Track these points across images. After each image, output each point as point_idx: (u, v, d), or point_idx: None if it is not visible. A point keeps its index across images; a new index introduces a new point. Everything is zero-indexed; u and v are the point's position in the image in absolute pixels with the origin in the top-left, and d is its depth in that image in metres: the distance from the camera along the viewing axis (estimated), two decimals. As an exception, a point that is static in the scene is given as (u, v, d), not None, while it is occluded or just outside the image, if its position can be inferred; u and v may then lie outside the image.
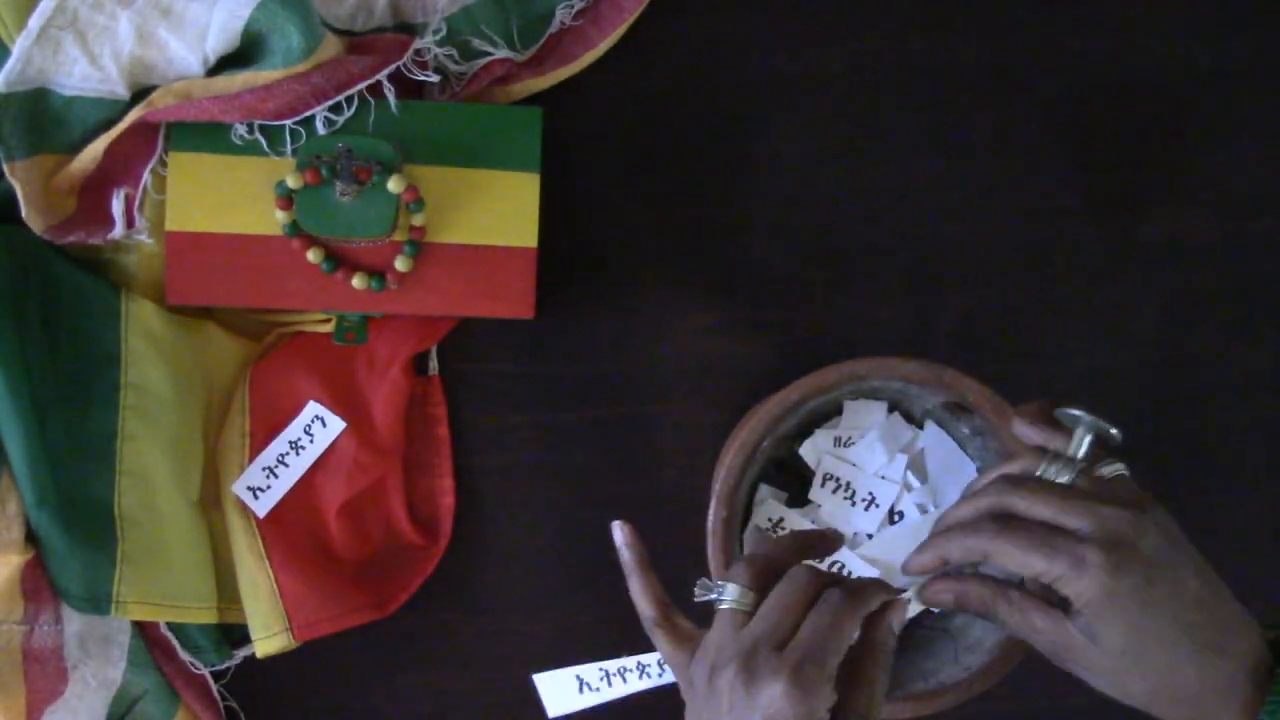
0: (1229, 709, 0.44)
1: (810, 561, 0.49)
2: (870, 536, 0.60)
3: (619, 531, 0.52)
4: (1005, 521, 0.46)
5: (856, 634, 0.45)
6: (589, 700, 0.51)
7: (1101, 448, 0.48)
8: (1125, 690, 0.45)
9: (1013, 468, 0.49)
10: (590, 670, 0.51)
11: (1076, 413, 0.47)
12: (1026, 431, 0.49)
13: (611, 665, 0.51)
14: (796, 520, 0.60)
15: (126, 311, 0.62)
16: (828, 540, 0.51)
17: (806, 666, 0.42)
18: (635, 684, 0.51)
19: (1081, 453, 0.48)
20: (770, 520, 0.60)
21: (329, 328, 0.65)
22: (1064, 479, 0.47)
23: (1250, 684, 0.44)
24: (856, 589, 0.46)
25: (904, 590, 0.49)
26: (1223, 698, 0.44)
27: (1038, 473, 0.47)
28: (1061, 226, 0.69)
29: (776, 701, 0.42)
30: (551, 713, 0.53)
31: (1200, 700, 0.44)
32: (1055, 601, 0.46)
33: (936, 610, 0.60)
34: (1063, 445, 0.48)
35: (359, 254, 0.62)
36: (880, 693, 0.45)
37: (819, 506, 0.60)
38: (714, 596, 0.47)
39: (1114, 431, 0.47)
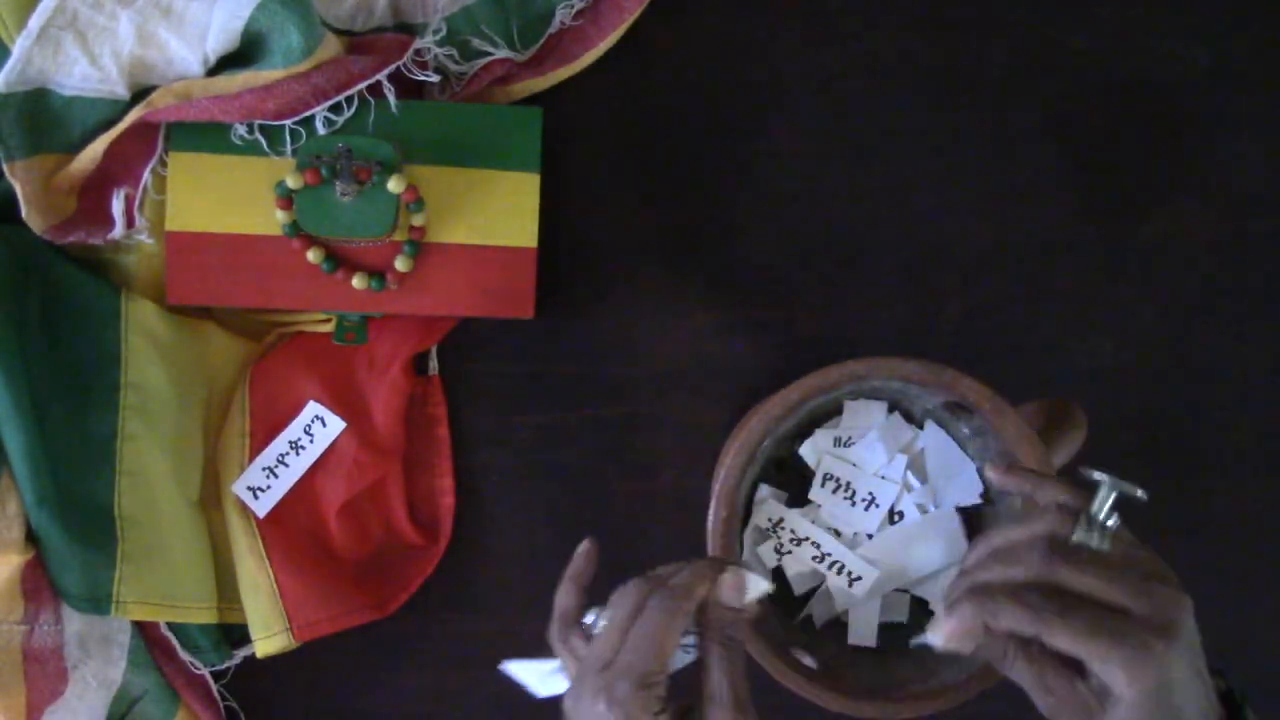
0: None
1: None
2: (870, 537, 0.60)
3: (583, 545, 0.54)
4: (1060, 599, 0.46)
5: (679, 633, 0.45)
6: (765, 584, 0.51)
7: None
8: None
9: (1039, 527, 0.48)
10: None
11: (1100, 476, 0.48)
12: (1003, 480, 0.49)
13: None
14: (796, 520, 0.60)
15: (126, 311, 0.62)
16: (724, 570, 0.49)
17: (619, 684, 0.44)
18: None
19: (1103, 513, 0.48)
20: (770, 520, 0.60)
21: (329, 328, 0.65)
22: (1103, 546, 0.47)
23: None
24: (675, 588, 0.46)
25: (737, 563, 0.48)
26: None
27: (1074, 538, 0.47)
28: (1061, 226, 0.69)
29: (599, 717, 0.43)
30: (541, 694, 0.53)
31: None
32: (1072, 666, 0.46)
33: (937, 610, 0.60)
34: (1062, 497, 0.48)
35: (359, 254, 0.62)
36: (729, 671, 0.45)
37: (819, 506, 0.60)
38: (590, 621, 0.49)
39: (1140, 493, 0.48)
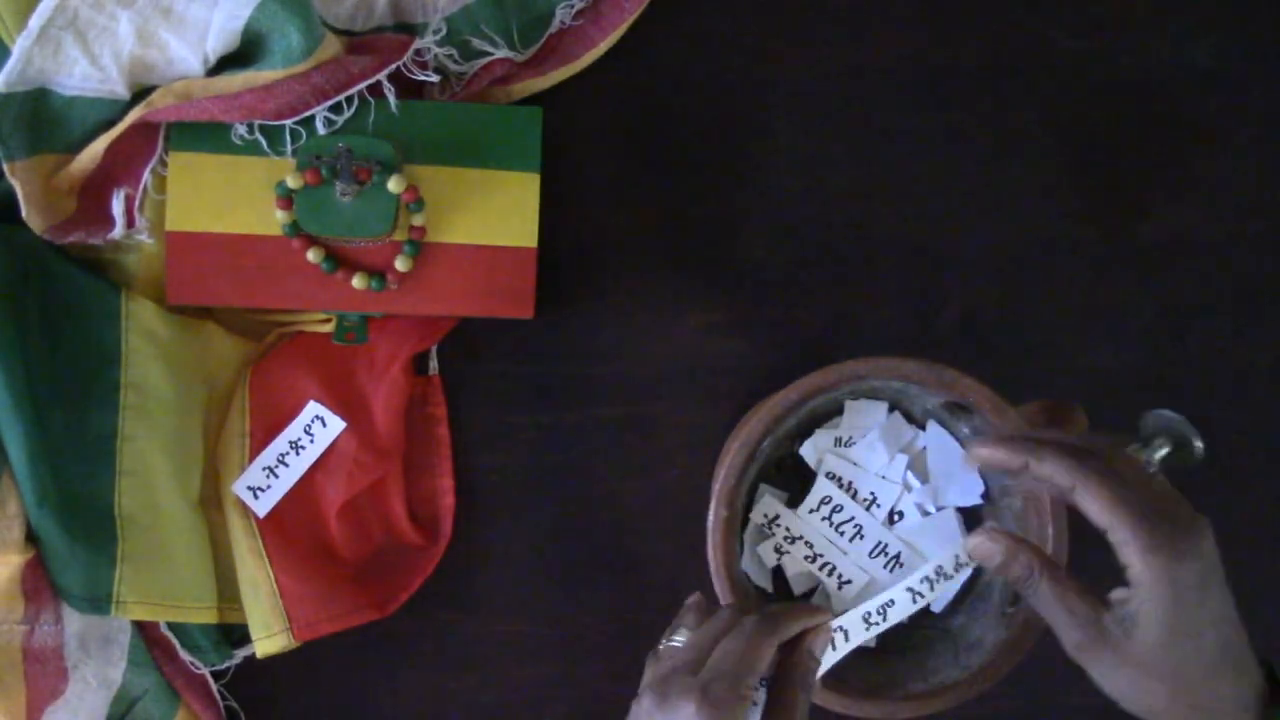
0: None
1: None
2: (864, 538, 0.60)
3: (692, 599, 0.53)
4: (1103, 466, 0.46)
5: (769, 657, 0.47)
6: (843, 650, 0.52)
7: (1178, 460, 0.49)
8: (1142, 691, 0.45)
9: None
10: (853, 618, 0.52)
11: (1166, 413, 0.48)
12: (991, 455, 0.49)
13: (874, 605, 0.52)
14: (791, 519, 0.60)
15: (126, 311, 0.62)
16: (824, 617, 0.51)
17: (714, 686, 0.44)
18: (894, 617, 0.52)
19: (1159, 456, 0.48)
20: (766, 516, 0.60)
21: (329, 328, 0.65)
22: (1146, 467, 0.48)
23: (1256, 707, 0.45)
24: (770, 616, 0.48)
25: (833, 615, 0.51)
26: (1235, 717, 0.44)
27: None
28: (1061, 226, 0.69)
29: (685, 719, 0.44)
30: None
31: (1217, 716, 0.44)
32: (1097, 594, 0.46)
33: (936, 611, 0.60)
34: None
35: (359, 254, 0.62)
36: (800, 714, 0.47)
37: (812, 512, 0.60)
38: (665, 642, 0.50)
39: (1198, 444, 0.48)
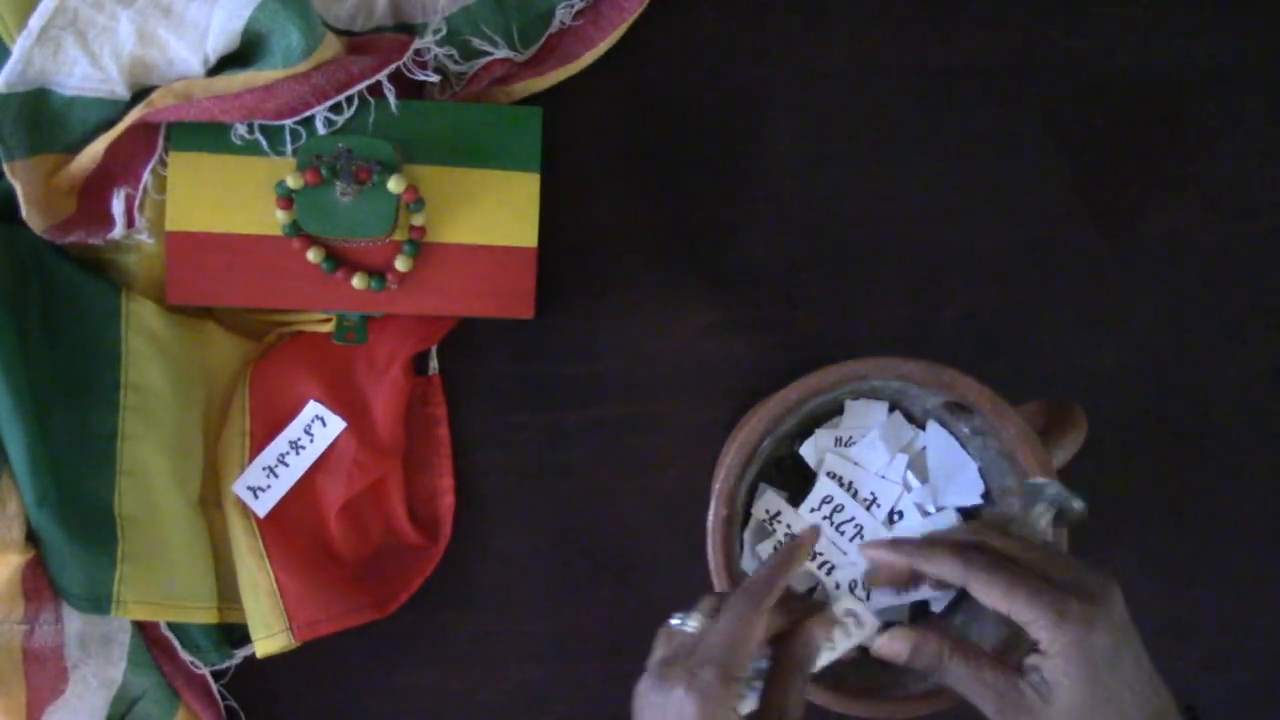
0: None
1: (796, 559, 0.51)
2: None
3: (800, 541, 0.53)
4: (991, 557, 0.47)
5: (758, 633, 0.47)
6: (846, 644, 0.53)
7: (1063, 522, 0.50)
8: None
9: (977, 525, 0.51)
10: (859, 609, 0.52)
11: (1039, 481, 0.49)
12: (874, 554, 0.50)
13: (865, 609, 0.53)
14: (792, 515, 0.60)
15: (127, 311, 0.62)
16: (804, 543, 0.52)
17: (703, 672, 0.45)
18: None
19: (1044, 524, 0.50)
20: (768, 513, 0.60)
21: (329, 328, 0.65)
22: (1033, 534, 0.49)
23: None
24: (748, 584, 0.48)
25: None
26: None
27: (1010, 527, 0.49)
28: (1061, 226, 0.69)
29: (681, 703, 0.44)
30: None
31: None
32: (1010, 663, 0.47)
33: (937, 611, 0.60)
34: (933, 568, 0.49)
35: (359, 254, 0.62)
36: (796, 696, 0.47)
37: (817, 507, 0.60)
38: (676, 624, 0.50)
39: (1076, 505, 0.49)
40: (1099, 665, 0.44)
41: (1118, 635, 0.45)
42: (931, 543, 0.49)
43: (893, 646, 0.50)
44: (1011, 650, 0.55)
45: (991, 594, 0.46)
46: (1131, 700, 0.45)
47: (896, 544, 0.50)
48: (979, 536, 0.49)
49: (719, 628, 0.47)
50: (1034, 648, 0.46)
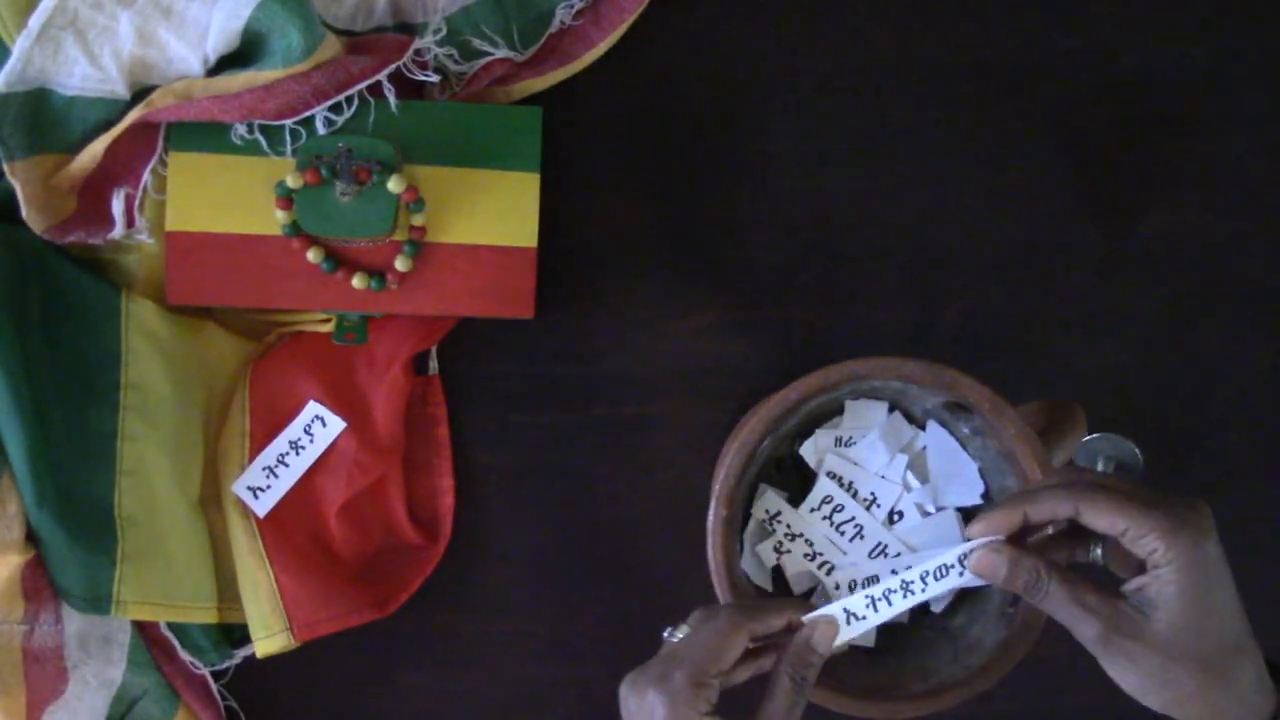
0: (1257, 712, 0.45)
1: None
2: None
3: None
4: (1096, 480, 0.46)
5: (738, 646, 0.47)
6: (856, 630, 0.52)
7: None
8: (1167, 680, 0.44)
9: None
10: (857, 600, 0.52)
11: (1095, 437, 0.48)
12: (984, 527, 0.49)
13: (877, 590, 0.52)
14: (792, 515, 0.60)
15: (126, 311, 0.62)
16: (815, 631, 0.50)
17: (675, 673, 0.46)
18: (901, 604, 0.51)
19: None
20: (768, 513, 0.60)
21: (329, 328, 0.65)
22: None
23: (1272, 687, 0.45)
24: (748, 606, 0.49)
25: (819, 609, 0.50)
26: (1248, 704, 0.45)
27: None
28: (1061, 226, 0.69)
29: (653, 703, 0.46)
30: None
31: (1243, 698, 0.44)
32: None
33: (936, 610, 0.60)
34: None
35: (359, 254, 0.62)
36: (788, 704, 0.47)
37: (812, 511, 0.60)
38: (666, 635, 0.51)
39: (1136, 452, 0.48)
40: (1210, 575, 0.44)
41: (1220, 555, 0.45)
42: (1028, 491, 0.48)
43: (990, 560, 0.48)
44: (1013, 651, 0.55)
45: (1105, 513, 0.45)
46: (1231, 616, 0.45)
47: (999, 506, 0.48)
48: (1071, 474, 0.48)
49: (699, 636, 0.47)
50: (1139, 569, 0.45)
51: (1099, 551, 0.50)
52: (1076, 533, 0.49)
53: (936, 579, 0.50)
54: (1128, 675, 0.45)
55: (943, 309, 0.68)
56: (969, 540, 0.49)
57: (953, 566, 0.50)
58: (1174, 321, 0.69)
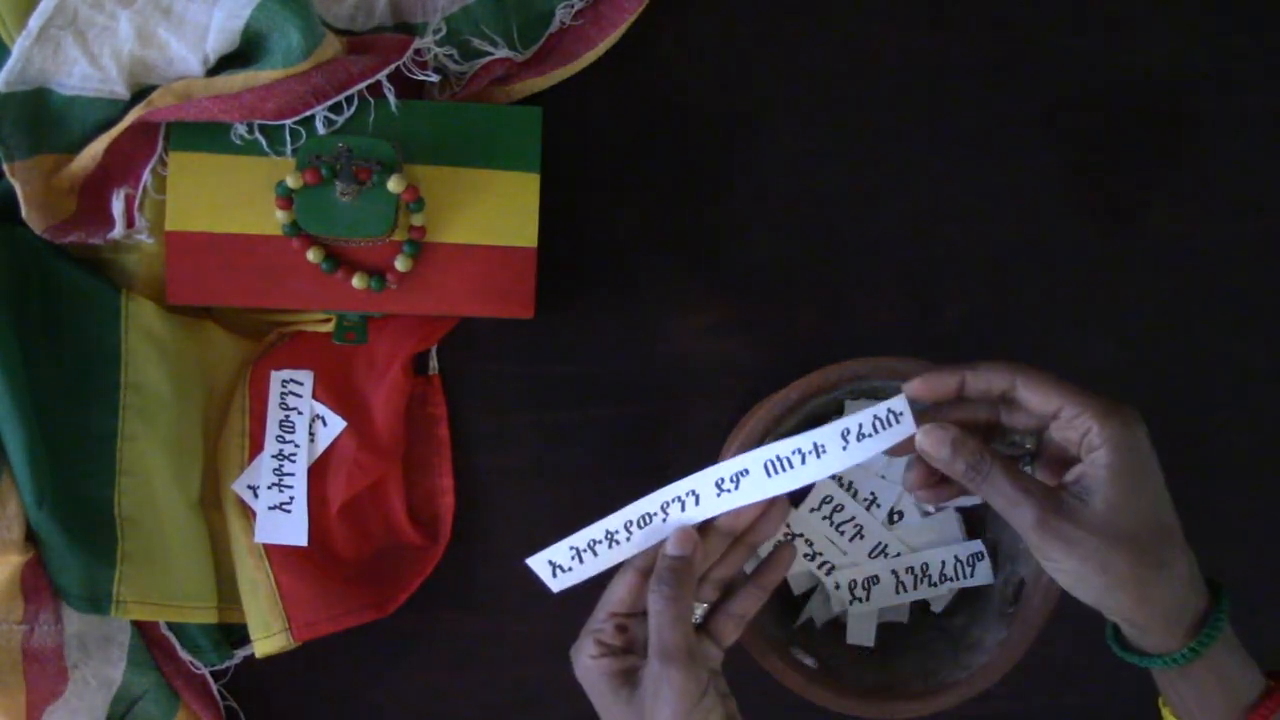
0: (1190, 608, 0.46)
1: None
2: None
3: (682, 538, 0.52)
4: (1035, 365, 0.47)
5: (620, 591, 0.52)
6: (589, 569, 0.53)
7: None
8: (1102, 564, 0.44)
9: None
10: (581, 538, 0.53)
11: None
12: (918, 385, 0.49)
13: (598, 531, 0.54)
14: (792, 515, 0.60)
15: (126, 311, 0.62)
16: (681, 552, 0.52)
17: (582, 634, 0.52)
18: (821, 464, 0.50)
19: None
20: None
21: (329, 328, 0.65)
22: None
23: (1193, 591, 0.46)
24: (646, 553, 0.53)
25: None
26: (1179, 597, 0.45)
27: None
28: (1061, 226, 0.69)
29: (574, 666, 0.51)
30: (555, 589, 0.54)
31: (1176, 581, 0.45)
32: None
33: (936, 611, 0.60)
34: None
35: (359, 254, 0.62)
36: (655, 617, 0.49)
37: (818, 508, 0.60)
38: None
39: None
40: (1141, 458, 0.45)
41: (1151, 448, 0.46)
42: (970, 362, 0.48)
43: (936, 437, 0.47)
44: (1013, 651, 0.55)
45: (1041, 389, 0.46)
46: (1163, 503, 0.46)
47: (938, 369, 0.49)
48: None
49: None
50: (1074, 458, 0.46)
51: (1028, 447, 0.50)
52: (1003, 431, 0.50)
53: (859, 439, 0.49)
54: (1065, 560, 0.45)
55: (943, 309, 0.68)
56: (907, 397, 0.48)
57: (886, 425, 0.48)
58: (1174, 321, 0.69)
